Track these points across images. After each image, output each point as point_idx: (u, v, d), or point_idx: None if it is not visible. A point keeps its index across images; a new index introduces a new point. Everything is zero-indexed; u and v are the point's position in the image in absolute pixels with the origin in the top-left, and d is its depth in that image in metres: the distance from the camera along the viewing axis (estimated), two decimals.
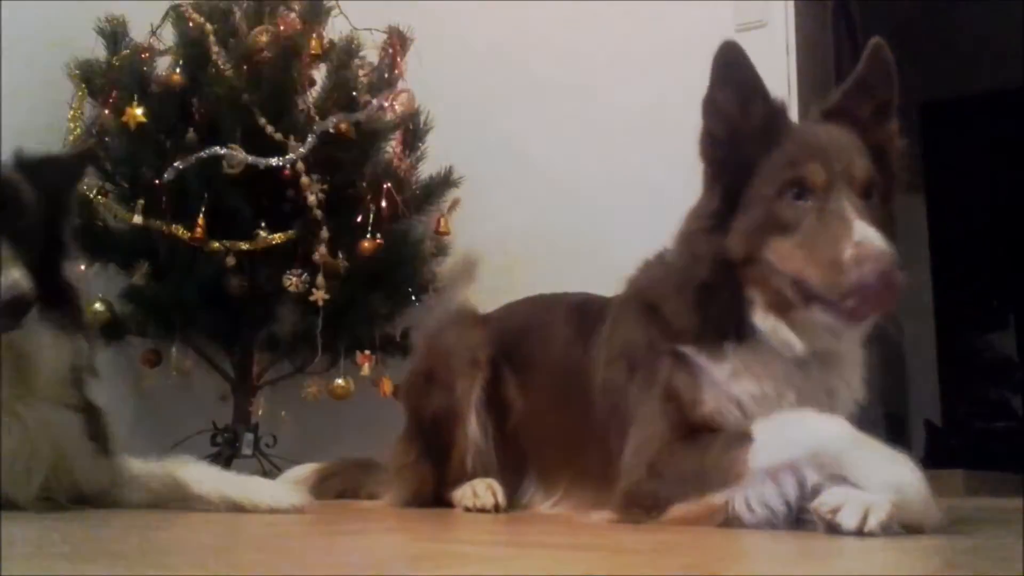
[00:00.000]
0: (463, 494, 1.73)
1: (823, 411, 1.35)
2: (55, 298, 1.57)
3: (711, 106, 1.42)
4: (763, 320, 1.35)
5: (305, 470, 2.13)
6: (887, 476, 1.13)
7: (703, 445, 1.33)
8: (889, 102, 1.47)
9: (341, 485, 2.09)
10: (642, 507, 1.34)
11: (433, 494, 1.83)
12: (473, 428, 1.78)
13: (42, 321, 1.51)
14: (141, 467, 1.64)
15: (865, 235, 1.22)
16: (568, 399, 1.71)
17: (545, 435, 1.77)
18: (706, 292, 1.40)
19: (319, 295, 2.64)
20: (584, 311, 1.77)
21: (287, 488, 1.46)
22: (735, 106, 1.40)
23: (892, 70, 1.48)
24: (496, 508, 1.67)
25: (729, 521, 1.25)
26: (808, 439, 1.21)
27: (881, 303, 1.24)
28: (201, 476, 1.58)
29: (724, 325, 1.39)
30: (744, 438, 1.28)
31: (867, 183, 1.33)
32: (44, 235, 1.58)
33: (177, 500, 1.59)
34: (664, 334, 1.46)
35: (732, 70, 1.40)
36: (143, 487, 1.61)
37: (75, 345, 1.60)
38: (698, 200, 1.46)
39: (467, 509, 1.70)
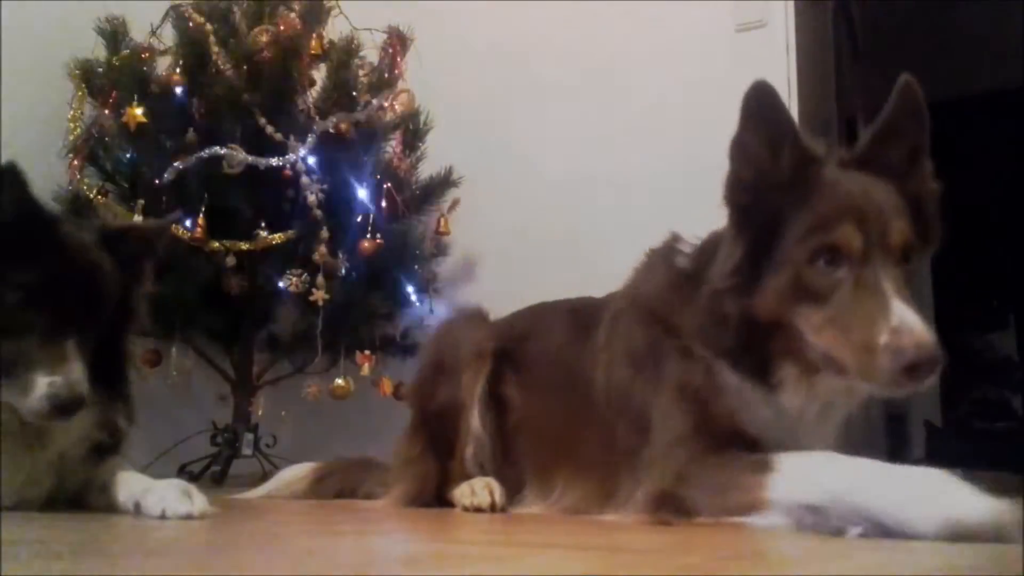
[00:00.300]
0: (462, 492, 1.73)
1: (822, 415, 1.35)
2: (109, 369, 1.53)
3: (739, 149, 1.33)
4: (791, 395, 1.32)
5: (302, 469, 2.12)
6: (924, 517, 1.04)
7: (728, 461, 1.30)
8: (921, 146, 1.41)
9: (339, 485, 2.09)
10: (671, 511, 1.31)
11: (436, 491, 1.83)
12: (475, 420, 1.78)
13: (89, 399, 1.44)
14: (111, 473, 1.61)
15: (903, 319, 1.15)
16: (565, 398, 1.71)
17: (542, 434, 1.77)
18: (729, 342, 1.35)
19: (319, 295, 2.65)
20: (581, 312, 1.77)
21: (181, 496, 1.38)
22: (765, 151, 1.32)
23: (923, 109, 1.40)
24: (492, 507, 1.67)
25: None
26: (831, 483, 1.14)
27: (917, 385, 1.17)
28: (121, 481, 1.51)
29: (748, 369, 1.34)
30: (766, 466, 1.22)
31: (905, 247, 1.27)
32: (116, 304, 1.53)
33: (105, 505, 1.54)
34: (670, 335, 1.44)
35: (764, 111, 1.32)
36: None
37: (106, 419, 1.57)
38: (724, 249, 1.39)
39: (465, 508, 1.70)
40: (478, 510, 1.67)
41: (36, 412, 1.37)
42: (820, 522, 1.13)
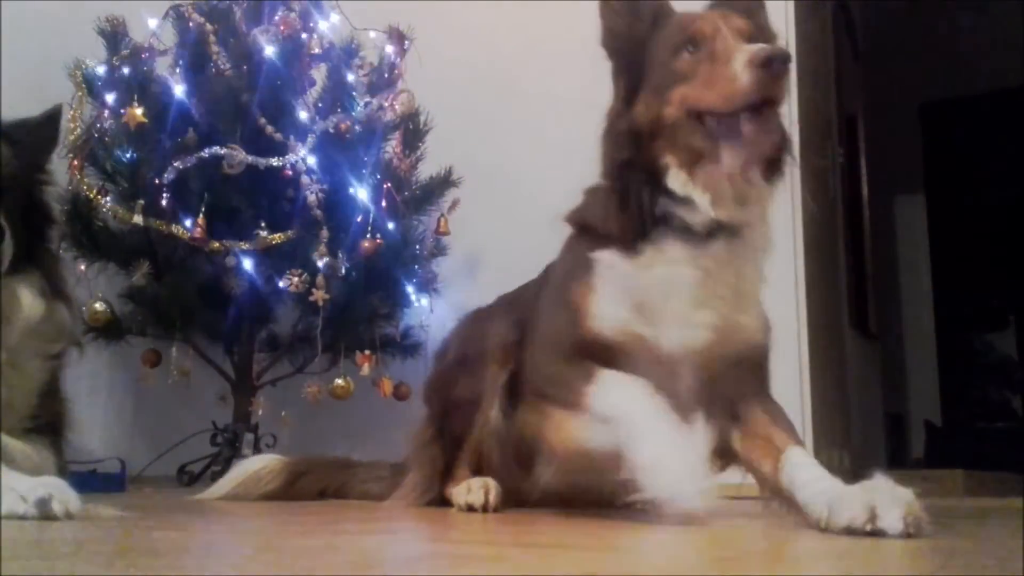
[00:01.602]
0: (459, 490, 1.73)
1: (728, 295, 1.46)
2: (35, 261, 1.61)
3: (607, 8, 1.63)
4: (675, 180, 1.45)
5: (269, 462, 2.05)
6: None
7: (574, 369, 1.47)
8: None
9: (319, 484, 2.07)
10: (542, 406, 1.51)
11: (443, 481, 1.83)
12: (495, 412, 1.75)
13: (23, 281, 1.55)
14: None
15: (751, 48, 1.36)
16: None
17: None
18: (624, 181, 1.53)
19: (319, 295, 2.65)
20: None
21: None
22: (626, 7, 1.59)
23: None
24: (485, 508, 1.66)
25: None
26: (616, 406, 1.35)
27: (778, 76, 1.36)
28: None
29: (642, 214, 1.49)
30: (589, 377, 1.42)
31: (751, 33, 1.47)
32: (25, 199, 1.62)
33: None
34: (590, 246, 1.57)
35: None
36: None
37: (53, 308, 1.63)
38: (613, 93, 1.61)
39: (459, 507, 1.69)
40: (471, 509, 1.67)
41: None
42: (612, 433, 1.31)
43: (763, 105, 1.38)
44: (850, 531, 1.12)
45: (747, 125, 1.38)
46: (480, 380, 1.77)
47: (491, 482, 1.72)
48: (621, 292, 1.48)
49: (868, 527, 1.10)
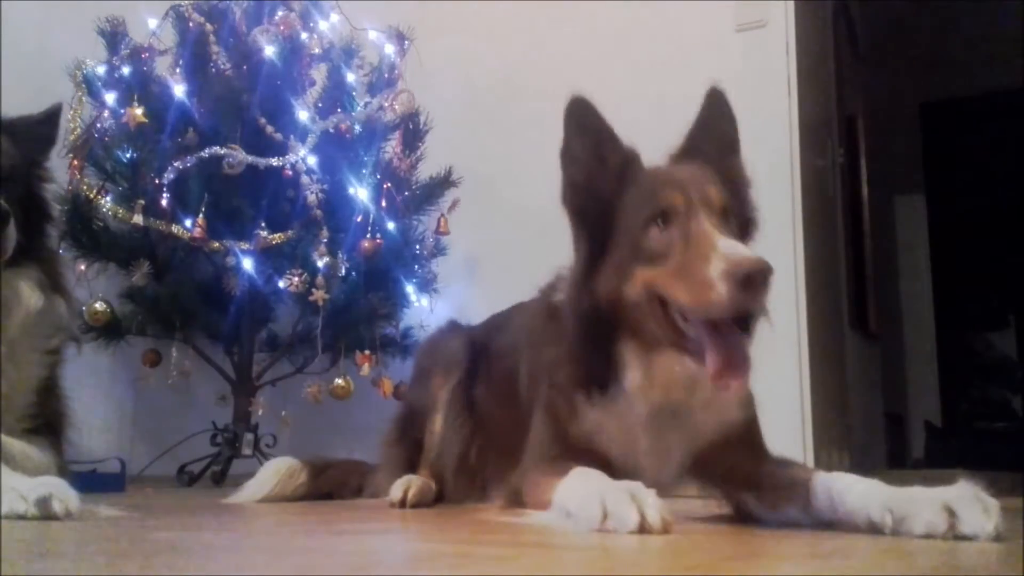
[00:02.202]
0: (392, 488, 1.83)
1: (665, 456, 1.44)
2: (35, 256, 1.63)
3: (568, 157, 1.48)
4: (632, 376, 1.40)
5: (291, 465, 2.07)
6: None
7: (551, 467, 1.43)
8: (733, 141, 1.54)
9: (333, 483, 2.10)
10: (516, 502, 1.48)
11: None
12: (439, 424, 1.92)
13: (22, 275, 1.57)
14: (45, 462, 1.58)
15: (729, 248, 1.25)
16: (505, 401, 1.78)
17: (492, 434, 1.86)
18: (581, 347, 1.45)
19: (319, 295, 2.65)
20: (526, 314, 1.85)
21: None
22: (591, 155, 1.46)
23: (731, 112, 1.56)
24: (402, 504, 1.77)
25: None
26: (568, 495, 1.29)
27: (756, 298, 1.23)
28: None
29: (596, 379, 1.43)
30: (559, 473, 1.36)
31: (724, 207, 1.37)
32: (25, 193, 1.64)
33: None
34: (543, 368, 1.56)
35: (584, 120, 1.48)
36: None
37: (51, 302, 1.64)
38: (573, 255, 1.50)
39: (391, 504, 1.79)
40: (392, 505, 1.78)
41: None
42: (573, 523, 1.24)
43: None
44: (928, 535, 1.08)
45: (713, 338, 1.27)
46: (428, 391, 1.95)
47: (416, 480, 1.84)
48: (596, 422, 1.46)
49: (950, 532, 1.06)
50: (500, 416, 1.82)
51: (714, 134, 1.53)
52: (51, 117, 1.83)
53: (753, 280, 1.20)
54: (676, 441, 1.44)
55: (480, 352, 1.96)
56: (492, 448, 1.85)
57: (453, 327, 2.11)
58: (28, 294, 1.60)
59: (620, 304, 1.37)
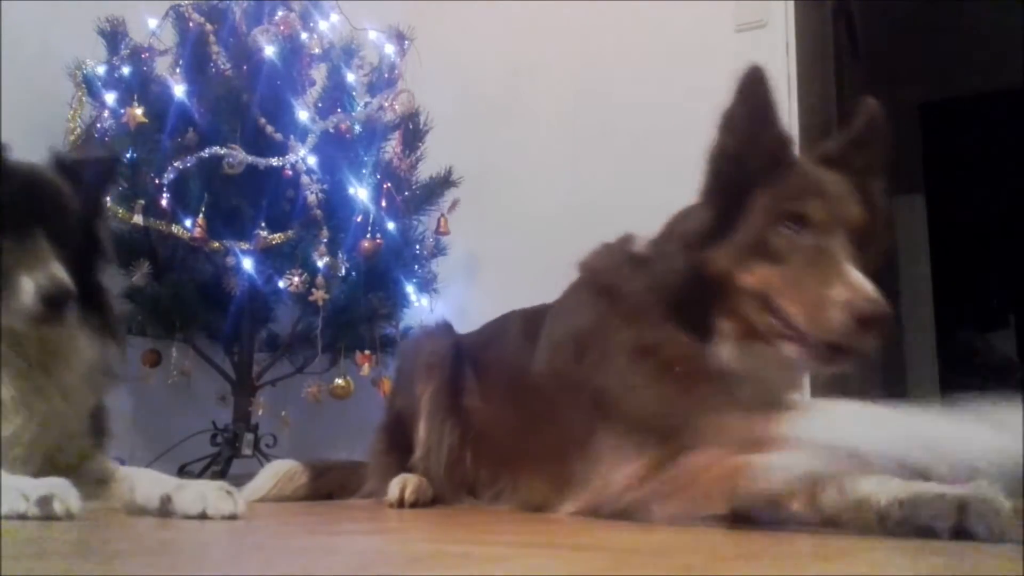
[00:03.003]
0: (390, 488, 1.82)
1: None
2: (91, 299, 1.60)
3: (728, 121, 1.41)
4: (727, 353, 1.36)
5: (293, 467, 2.09)
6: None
7: (724, 410, 1.27)
8: (880, 160, 1.51)
9: (334, 484, 2.10)
10: (602, 506, 1.35)
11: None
12: (422, 428, 1.89)
13: (79, 322, 1.54)
14: (109, 469, 1.61)
15: (858, 279, 1.22)
16: (515, 398, 1.75)
17: (499, 437, 1.81)
18: (675, 299, 1.40)
19: (319, 295, 2.65)
20: (534, 317, 1.82)
21: (222, 495, 1.38)
22: (749, 128, 1.40)
23: (887, 132, 1.53)
24: (400, 503, 1.76)
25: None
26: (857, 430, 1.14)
27: (865, 339, 1.21)
28: (143, 481, 1.51)
29: (690, 327, 1.38)
30: (784, 406, 1.24)
31: (863, 231, 1.35)
32: (81, 236, 1.61)
33: (127, 504, 1.54)
34: (620, 313, 1.48)
35: (754, 92, 1.41)
36: (107, 490, 1.58)
37: (106, 349, 1.63)
38: (690, 210, 1.47)
39: (390, 504, 1.78)
40: (390, 505, 1.76)
41: (30, 311, 1.44)
42: (842, 462, 1.12)
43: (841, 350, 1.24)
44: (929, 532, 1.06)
45: (831, 344, 1.24)
46: (411, 396, 1.92)
47: (412, 478, 1.81)
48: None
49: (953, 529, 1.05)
50: (505, 413, 1.78)
51: (866, 150, 1.50)
52: (110, 159, 1.85)
53: (872, 322, 1.18)
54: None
55: (474, 352, 1.93)
56: (497, 448, 1.80)
57: (436, 330, 2.08)
58: (86, 345, 1.58)
59: (728, 285, 1.35)
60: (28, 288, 1.43)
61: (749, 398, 1.36)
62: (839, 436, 1.12)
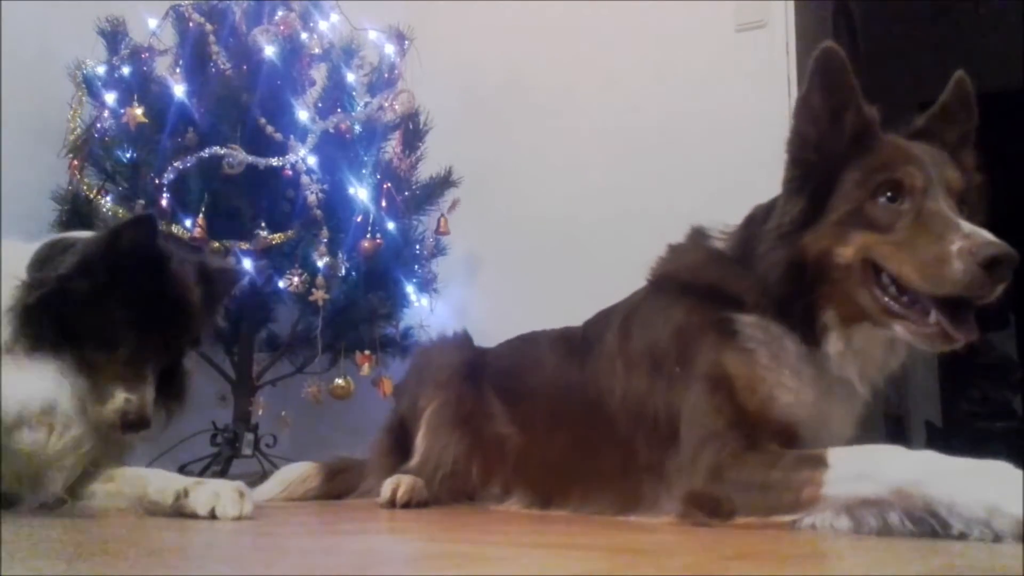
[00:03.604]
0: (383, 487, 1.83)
1: (837, 406, 1.38)
2: (171, 378, 1.65)
3: (805, 108, 1.39)
4: (833, 346, 1.35)
5: (307, 468, 2.12)
6: (981, 511, 1.05)
7: (771, 457, 1.28)
8: (969, 133, 1.49)
9: (346, 484, 2.11)
10: (705, 511, 1.30)
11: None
12: (419, 439, 1.91)
13: (155, 401, 1.56)
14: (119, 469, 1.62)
15: (974, 229, 1.20)
16: (569, 417, 1.72)
17: (546, 455, 1.76)
18: (779, 294, 1.37)
19: (319, 295, 2.64)
20: (567, 339, 1.84)
21: (234, 496, 1.42)
22: (829, 110, 1.37)
23: (974, 102, 1.50)
24: (392, 503, 1.77)
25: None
26: (892, 476, 1.13)
27: (995, 284, 1.18)
28: (156, 480, 1.54)
29: (803, 333, 1.36)
30: (818, 461, 1.21)
31: (962, 193, 1.33)
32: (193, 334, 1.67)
33: (135, 504, 1.55)
34: (710, 305, 1.44)
35: (830, 74, 1.37)
36: (118, 490, 1.59)
37: (169, 415, 1.69)
38: (774, 202, 1.43)
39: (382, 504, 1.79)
40: (382, 505, 1.78)
41: (105, 421, 1.49)
42: (877, 518, 1.13)
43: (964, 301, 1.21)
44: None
45: (938, 317, 1.22)
46: (415, 406, 1.95)
47: (405, 479, 1.82)
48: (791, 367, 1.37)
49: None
50: (552, 432, 1.75)
51: (954, 121, 1.48)
52: (236, 273, 2.02)
53: (999, 264, 1.16)
54: (848, 412, 1.42)
55: (493, 382, 1.92)
56: (541, 467, 1.76)
57: (452, 341, 2.08)
58: (152, 419, 1.59)
59: (828, 265, 1.32)
60: (116, 404, 1.48)
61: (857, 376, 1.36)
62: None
